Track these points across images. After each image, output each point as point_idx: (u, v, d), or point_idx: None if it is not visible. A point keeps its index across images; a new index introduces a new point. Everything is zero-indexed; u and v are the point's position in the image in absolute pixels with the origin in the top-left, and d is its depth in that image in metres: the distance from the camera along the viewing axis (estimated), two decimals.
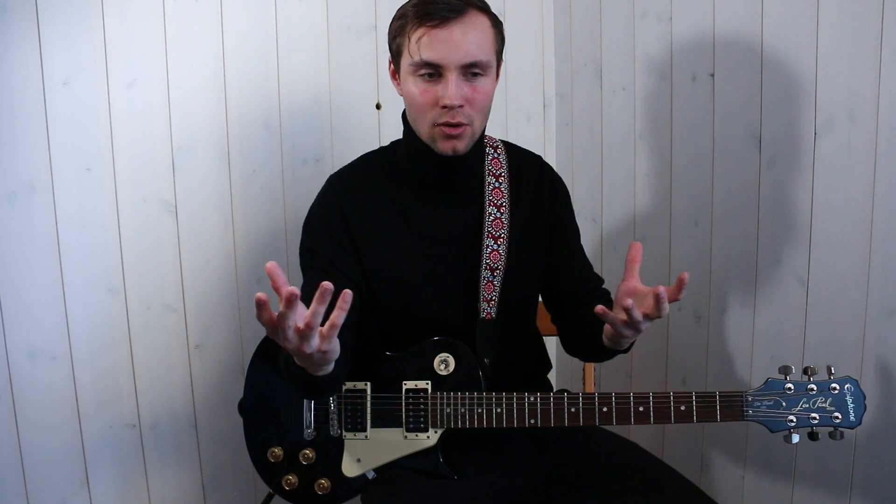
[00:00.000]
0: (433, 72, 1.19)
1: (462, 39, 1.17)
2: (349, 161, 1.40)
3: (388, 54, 1.29)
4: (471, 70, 1.20)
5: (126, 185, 1.70)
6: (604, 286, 1.40)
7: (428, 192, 1.31)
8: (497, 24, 1.25)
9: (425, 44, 1.17)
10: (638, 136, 1.85)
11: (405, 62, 1.22)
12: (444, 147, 1.23)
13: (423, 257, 1.31)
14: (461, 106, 1.19)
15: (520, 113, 2.09)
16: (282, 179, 1.84)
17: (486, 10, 1.23)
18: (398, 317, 1.33)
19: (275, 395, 1.39)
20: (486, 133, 1.33)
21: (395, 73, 1.28)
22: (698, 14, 1.63)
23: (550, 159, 2.10)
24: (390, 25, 1.26)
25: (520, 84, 2.07)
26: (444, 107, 1.19)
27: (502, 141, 1.40)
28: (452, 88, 1.18)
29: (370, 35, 1.89)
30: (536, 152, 1.43)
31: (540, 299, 1.44)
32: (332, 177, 1.37)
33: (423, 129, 1.25)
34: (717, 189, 1.63)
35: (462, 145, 1.24)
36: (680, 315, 1.76)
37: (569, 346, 1.39)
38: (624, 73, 1.87)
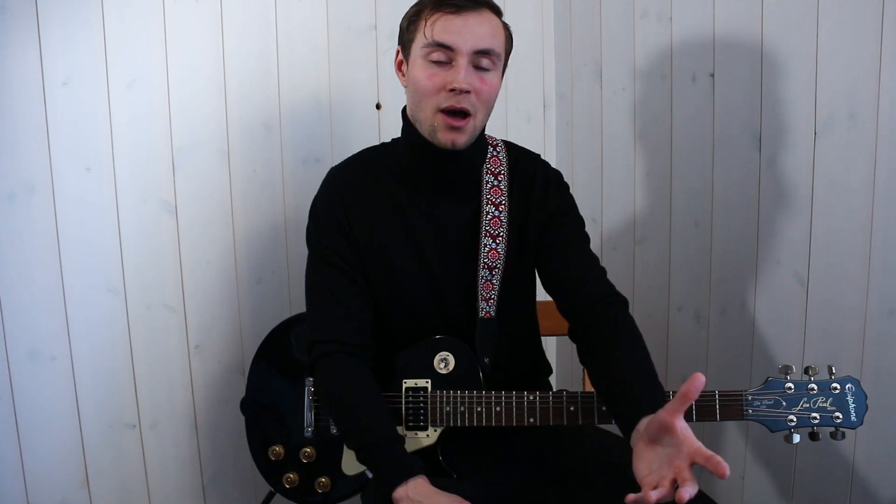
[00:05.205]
0: (444, 58, 1.20)
1: (477, 27, 1.20)
2: None
3: (393, 50, 1.31)
4: (481, 60, 1.21)
5: (126, 185, 1.70)
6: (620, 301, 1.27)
7: (426, 190, 1.31)
8: (508, 30, 1.28)
9: (440, 27, 1.19)
10: (638, 136, 1.85)
11: (417, 45, 1.22)
12: (445, 139, 1.22)
13: (420, 256, 1.31)
14: (468, 92, 1.20)
15: (520, 113, 2.09)
16: (282, 179, 1.84)
17: (499, 14, 1.26)
18: (397, 315, 1.33)
19: (276, 394, 1.40)
20: (486, 133, 1.33)
21: (402, 63, 1.28)
22: (698, 14, 1.63)
23: (550, 159, 2.10)
24: (405, 16, 1.27)
25: (520, 84, 2.07)
26: (452, 90, 1.19)
27: (503, 140, 1.39)
28: (462, 73, 1.19)
29: (370, 35, 1.89)
30: (536, 152, 1.42)
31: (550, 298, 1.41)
32: (333, 169, 1.38)
33: (425, 117, 1.23)
34: (717, 189, 1.63)
35: (462, 139, 1.23)
36: (680, 315, 1.76)
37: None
38: (624, 73, 1.87)
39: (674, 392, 1.16)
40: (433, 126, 1.23)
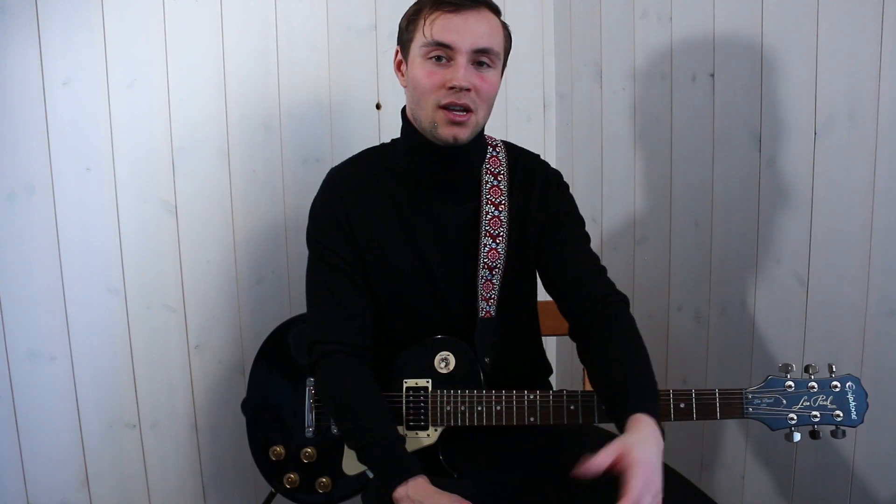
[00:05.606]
0: (443, 55, 1.20)
1: (476, 26, 1.20)
2: None
3: (392, 50, 1.31)
4: (480, 57, 1.21)
5: (126, 185, 1.70)
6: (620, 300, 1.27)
7: (426, 190, 1.31)
8: (507, 30, 1.28)
9: (439, 26, 1.19)
10: (638, 136, 1.85)
11: (416, 44, 1.22)
12: (447, 133, 1.22)
13: (420, 256, 1.31)
14: (468, 90, 1.20)
15: (520, 113, 2.09)
16: (282, 179, 1.84)
17: (498, 13, 1.26)
18: (397, 315, 1.33)
19: (278, 395, 1.40)
20: (486, 133, 1.33)
21: (402, 63, 1.28)
22: (698, 14, 1.63)
23: (550, 159, 2.11)
24: (404, 15, 1.27)
25: (520, 84, 2.07)
26: (451, 88, 1.20)
27: (503, 141, 1.39)
28: (462, 71, 1.19)
29: (370, 35, 1.89)
30: (536, 152, 1.42)
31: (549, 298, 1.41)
32: (333, 170, 1.38)
33: (425, 115, 1.23)
34: (717, 189, 1.63)
35: (464, 134, 1.23)
36: (680, 315, 1.76)
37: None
38: (624, 73, 1.87)
39: (673, 391, 1.17)
40: (434, 122, 1.22)
